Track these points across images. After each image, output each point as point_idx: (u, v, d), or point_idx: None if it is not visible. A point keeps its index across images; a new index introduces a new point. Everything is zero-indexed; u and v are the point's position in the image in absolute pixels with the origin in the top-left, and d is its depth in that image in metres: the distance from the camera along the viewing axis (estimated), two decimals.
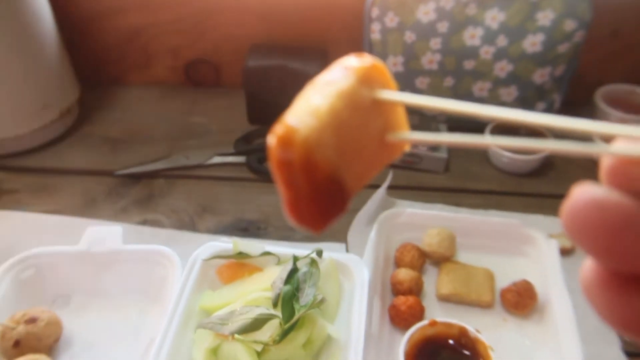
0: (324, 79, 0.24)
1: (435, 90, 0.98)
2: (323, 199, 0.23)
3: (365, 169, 0.25)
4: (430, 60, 0.96)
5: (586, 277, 0.21)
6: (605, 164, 0.21)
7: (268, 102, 1.02)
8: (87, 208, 0.89)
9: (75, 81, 1.06)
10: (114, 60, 1.17)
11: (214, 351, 0.64)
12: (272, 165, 0.23)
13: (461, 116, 1.00)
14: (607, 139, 0.21)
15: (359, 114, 0.24)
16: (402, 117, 0.27)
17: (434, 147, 0.94)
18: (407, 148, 0.27)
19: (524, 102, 0.98)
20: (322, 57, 1.02)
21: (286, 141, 0.22)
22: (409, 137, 0.26)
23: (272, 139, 0.22)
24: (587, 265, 0.21)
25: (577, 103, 1.06)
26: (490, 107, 0.23)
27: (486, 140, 0.23)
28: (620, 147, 0.20)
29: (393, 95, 0.25)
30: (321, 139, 0.22)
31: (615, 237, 0.19)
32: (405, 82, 0.98)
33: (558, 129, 0.23)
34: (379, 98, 0.25)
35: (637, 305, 0.20)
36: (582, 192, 0.19)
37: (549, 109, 1.00)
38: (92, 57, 1.15)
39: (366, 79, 0.25)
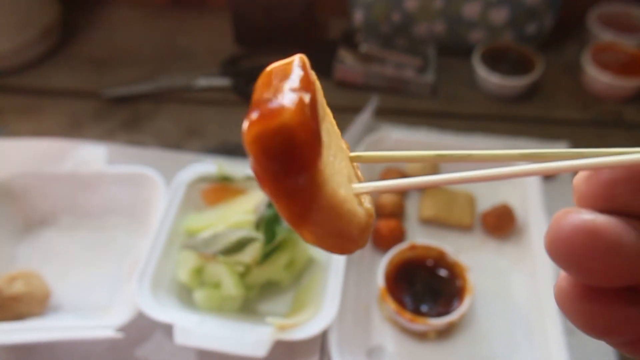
0: None
1: (424, 13, 0.96)
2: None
3: None
4: None
5: (562, 291, 0.21)
6: (583, 187, 0.21)
7: (254, 22, 1.00)
8: (73, 130, 0.89)
9: None
10: None
11: (198, 271, 0.65)
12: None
13: (449, 38, 0.98)
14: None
15: None
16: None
17: (421, 70, 0.93)
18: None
19: (514, 24, 0.96)
20: None
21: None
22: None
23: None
24: (562, 279, 0.21)
25: (569, 24, 1.04)
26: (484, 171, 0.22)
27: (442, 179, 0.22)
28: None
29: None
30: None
31: (604, 261, 0.19)
32: (394, 4, 0.95)
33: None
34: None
35: (617, 314, 0.20)
36: (569, 218, 0.19)
37: (540, 31, 0.98)
38: None
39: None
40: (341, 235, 0.22)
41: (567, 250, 0.19)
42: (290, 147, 0.19)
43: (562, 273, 0.21)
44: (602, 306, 0.20)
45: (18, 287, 0.62)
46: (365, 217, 0.22)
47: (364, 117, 0.85)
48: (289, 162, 0.19)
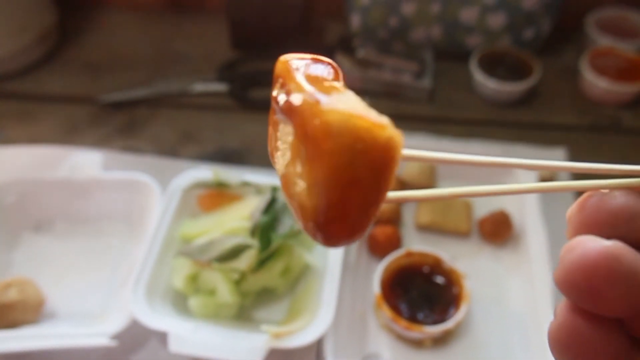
0: None
1: (422, 17, 0.95)
2: None
3: None
4: None
5: (565, 327, 0.20)
6: (581, 216, 0.21)
7: (251, 27, 1.00)
8: (69, 135, 0.89)
9: (53, 3, 1.02)
10: None
11: (193, 278, 0.65)
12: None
13: (446, 43, 0.98)
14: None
15: None
16: None
17: (418, 75, 0.93)
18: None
19: (512, 29, 0.96)
20: None
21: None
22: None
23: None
24: (564, 316, 0.20)
25: (567, 29, 1.03)
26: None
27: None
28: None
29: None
30: None
31: (622, 288, 0.19)
32: (391, 8, 0.95)
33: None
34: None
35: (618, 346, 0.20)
36: (591, 244, 0.19)
37: (538, 36, 0.98)
38: None
39: None
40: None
41: (589, 278, 0.19)
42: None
43: (562, 312, 0.20)
44: (605, 338, 0.20)
45: (12, 295, 0.62)
46: None
47: None
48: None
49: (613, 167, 0.22)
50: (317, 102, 0.20)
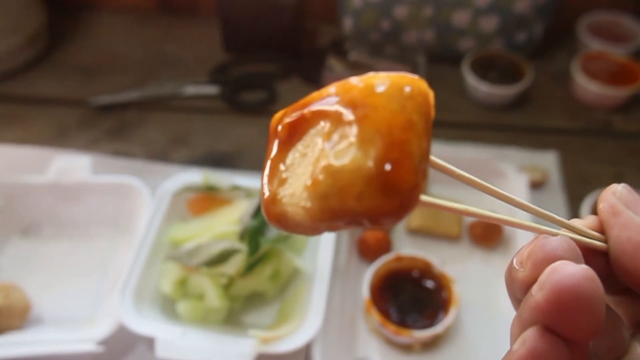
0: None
1: (414, 21, 0.95)
2: None
3: None
4: None
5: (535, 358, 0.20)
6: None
7: (243, 30, 1.00)
8: (58, 138, 0.88)
9: (44, 4, 1.02)
10: None
11: (182, 283, 0.65)
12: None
13: (439, 46, 0.98)
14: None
15: None
16: None
17: None
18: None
19: (504, 32, 0.96)
20: None
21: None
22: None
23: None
24: (531, 347, 0.20)
25: (559, 33, 1.03)
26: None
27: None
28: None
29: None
30: None
31: (600, 309, 0.20)
32: (383, 12, 0.95)
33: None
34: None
35: None
36: (570, 267, 0.20)
37: (530, 40, 0.98)
38: None
39: None
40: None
41: (577, 298, 0.19)
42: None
43: (533, 337, 0.20)
44: None
45: None
46: None
47: None
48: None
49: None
50: (349, 80, 0.22)
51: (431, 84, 0.88)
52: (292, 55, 1.00)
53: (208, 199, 0.73)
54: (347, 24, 0.99)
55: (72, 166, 0.74)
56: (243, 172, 0.81)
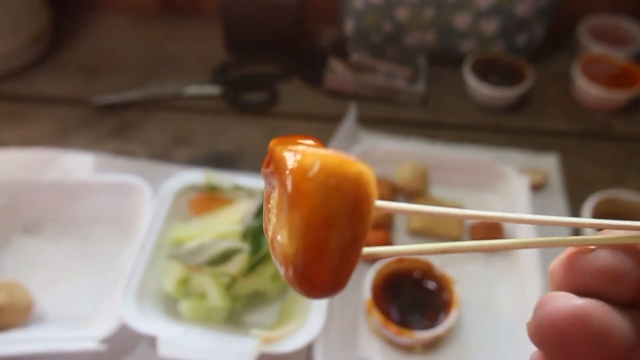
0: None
1: (415, 23, 0.96)
2: None
3: None
4: None
5: None
6: (563, 273, 0.21)
7: (245, 30, 1.00)
8: (61, 137, 0.88)
9: (47, 5, 1.02)
10: None
11: (184, 282, 0.65)
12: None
13: (440, 48, 0.98)
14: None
15: None
16: None
17: (411, 80, 0.93)
18: None
19: (505, 35, 0.96)
20: None
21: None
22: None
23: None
24: None
25: (560, 35, 1.04)
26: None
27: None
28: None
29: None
30: None
31: (593, 345, 0.19)
32: (385, 13, 0.95)
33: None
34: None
35: None
36: (561, 302, 0.19)
37: (530, 42, 0.98)
38: None
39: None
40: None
41: (559, 335, 0.19)
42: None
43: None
44: None
45: (0, 298, 0.62)
46: None
47: (346, 126, 0.84)
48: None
49: (609, 222, 0.22)
50: (296, 152, 0.21)
51: (432, 85, 0.89)
52: (294, 56, 1.00)
53: (210, 199, 0.73)
54: (349, 25, 0.99)
55: (74, 165, 0.74)
56: (245, 172, 0.81)
